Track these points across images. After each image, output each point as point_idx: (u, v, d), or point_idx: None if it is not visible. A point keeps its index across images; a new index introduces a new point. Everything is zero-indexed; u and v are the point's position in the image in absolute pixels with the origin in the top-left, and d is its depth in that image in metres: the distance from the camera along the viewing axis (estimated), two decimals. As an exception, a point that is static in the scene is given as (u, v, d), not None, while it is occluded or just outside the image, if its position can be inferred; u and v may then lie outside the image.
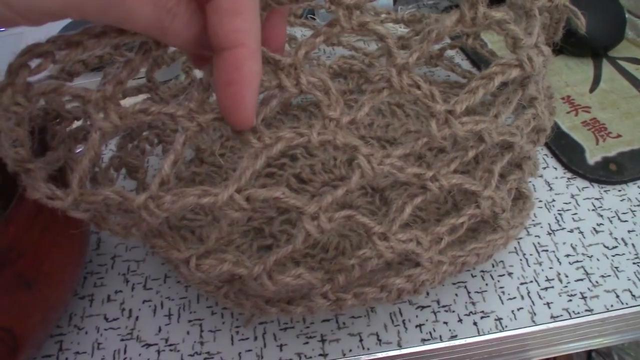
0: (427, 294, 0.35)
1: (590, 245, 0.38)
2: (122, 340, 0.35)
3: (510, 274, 0.36)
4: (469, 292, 0.35)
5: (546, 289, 0.36)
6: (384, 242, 0.26)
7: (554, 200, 0.41)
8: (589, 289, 0.36)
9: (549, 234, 0.39)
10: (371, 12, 0.47)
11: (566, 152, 0.43)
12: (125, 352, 0.34)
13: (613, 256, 0.37)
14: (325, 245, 0.37)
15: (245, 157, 0.23)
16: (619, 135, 0.44)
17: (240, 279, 0.28)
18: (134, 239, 0.27)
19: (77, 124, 0.31)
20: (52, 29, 0.21)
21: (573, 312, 0.35)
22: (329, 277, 0.27)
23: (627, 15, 0.53)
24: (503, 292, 0.35)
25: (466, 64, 0.53)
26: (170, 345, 0.34)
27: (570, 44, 0.50)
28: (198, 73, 0.44)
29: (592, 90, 0.48)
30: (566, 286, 0.36)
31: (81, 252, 0.34)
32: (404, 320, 0.34)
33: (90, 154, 0.23)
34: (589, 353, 0.79)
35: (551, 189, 0.42)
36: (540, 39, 0.29)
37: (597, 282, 0.36)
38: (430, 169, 0.26)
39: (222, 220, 0.25)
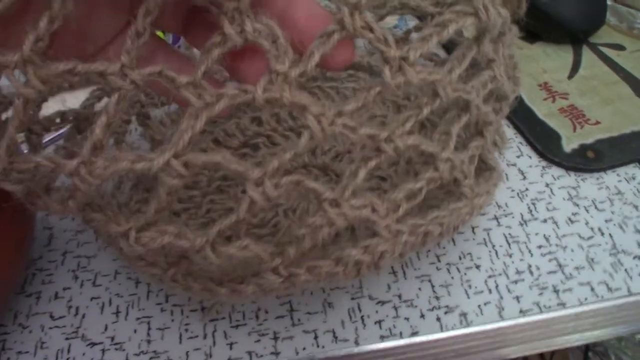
0: (389, 287, 0.33)
1: (565, 235, 0.36)
2: (66, 339, 0.33)
3: (478, 266, 0.34)
4: (433, 286, 0.33)
5: (516, 282, 0.34)
6: (335, 209, 0.24)
7: (527, 190, 0.39)
8: (561, 281, 0.34)
9: (521, 224, 0.37)
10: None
11: (541, 139, 0.41)
12: (69, 351, 0.32)
13: (589, 247, 0.35)
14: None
15: (184, 118, 0.21)
16: (597, 122, 0.42)
17: (187, 259, 0.26)
18: (72, 214, 0.25)
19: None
20: None
21: (544, 306, 0.32)
22: (279, 250, 0.25)
23: (609, 2, 0.51)
24: (470, 286, 0.33)
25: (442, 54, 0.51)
26: (116, 344, 0.32)
27: (548, 30, 0.49)
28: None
29: (570, 76, 0.46)
30: (537, 279, 0.34)
31: (20, 246, 0.33)
32: (362, 316, 0.32)
33: (15, 122, 0.21)
34: (585, 353, 0.77)
35: (525, 177, 0.40)
36: (498, 1, 0.27)
37: (570, 274, 0.34)
38: (384, 129, 0.24)
39: (160, 188, 0.23)
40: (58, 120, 0.33)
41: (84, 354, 0.32)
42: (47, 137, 0.43)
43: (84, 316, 0.34)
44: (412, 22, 0.53)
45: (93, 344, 0.32)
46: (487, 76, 0.27)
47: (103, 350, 0.32)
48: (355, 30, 0.22)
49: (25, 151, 0.29)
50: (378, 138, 0.23)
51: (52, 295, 0.35)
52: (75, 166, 0.21)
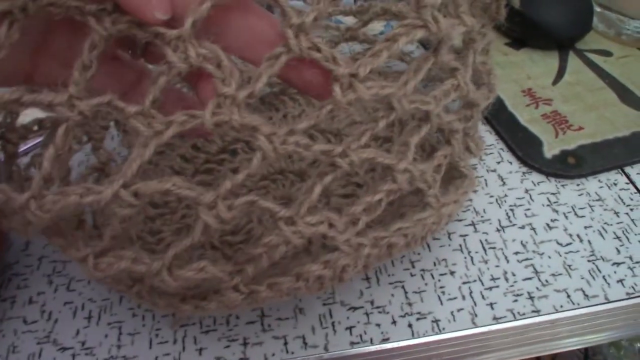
0: (361, 293, 0.33)
1: (542, 242, 0.36)
2: (38, 343, 0.33)
3: (452, 272, 0.34)
4: (406, 292, 0.33)
5: (490, 288, 0.33)
6: (291, 227, 0.24)
7: (506, 196, 0.38)
8: (537, 288, 0.33)
9: (498, 230, 0.36)
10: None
11: (522, 145, 0.41)
12: (40, 356, 0.32)
13: (566, 253, 0.35)
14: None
15: (135, 146, 0.21)
16: (580, 128, 0.42)
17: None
18: (36, 236, 0.25)
19: None
20: None
21: (518, 313, 0.32)
22: (238, 268, 0.25)
23: (597, 8, 0.51)
24: (443, 292, 0.33)
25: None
26: (87, 348, 0.32)
27: (533, 36, 0.49)
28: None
29: (555, 82, 0.46)
30: (512, 285, 0.33)
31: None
32: (333, 322, 0.32)
33: None
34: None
35: (504, 183, 0.39)
36: (462, 9, 0.27)
37: (547, 281, 0.33)
38: (339, 144, 0.24)
39: (113, 218, 0.23)
40: (36, 127, 0.33)
41: (54, 359, 0.32)
42: (25, 146, 0.43)
43: (56, 321, 0.34)
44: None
45: (64, 349, 0.32)
46: (450, 85, 0.27)
47: (73, 355, 0.32)
48: (302, 51, 0.22)
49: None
50: (332, 153, 0.23)
51: (27, 299, 0.35)
52: (25, 201, 0.21)
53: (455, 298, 0.33)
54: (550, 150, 0.40)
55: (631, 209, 0.37)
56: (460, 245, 0.35)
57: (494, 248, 0.35)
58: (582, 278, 0.34)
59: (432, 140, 0.37)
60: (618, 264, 0.34)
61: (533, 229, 0.36)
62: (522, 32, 0.49)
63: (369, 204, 0.25)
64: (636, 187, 0.39)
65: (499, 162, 0.41)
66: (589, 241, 0.36)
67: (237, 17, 0.23)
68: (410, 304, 0.33)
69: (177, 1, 0.22)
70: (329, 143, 0.23)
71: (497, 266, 0.34)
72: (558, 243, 0.35)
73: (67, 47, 0.24)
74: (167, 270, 0.23)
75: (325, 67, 0.22)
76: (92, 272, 0.24)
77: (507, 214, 0.37)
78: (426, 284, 0.33)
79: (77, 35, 0.23)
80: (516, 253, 0.35)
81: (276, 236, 0.24)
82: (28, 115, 0.32)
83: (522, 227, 0.36)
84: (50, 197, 0.21)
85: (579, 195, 0.38)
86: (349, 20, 0.50)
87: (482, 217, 0.37)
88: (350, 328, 0.32)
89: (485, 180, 0.39)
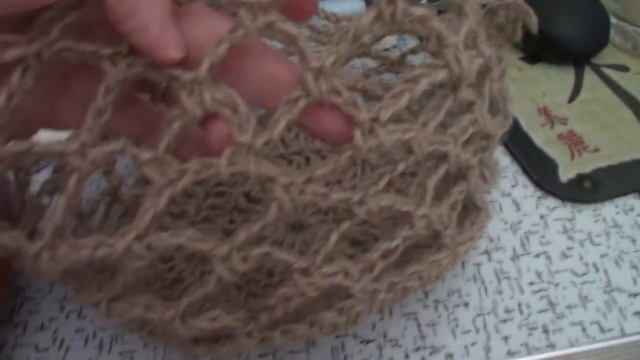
0: (374, 326, 0.33)
1: (558, 271, 0.35)
2: (49, 373, 0.33)
3: (466, 304, 0.34)
4: (419, 325, 0.33)
5: (505, 321, 0.33)
6: (306, 279, 0.23)
7: (520, 222, 0.38)
8: (552, 321, 0.33)
9: (513, 259, 0.36)
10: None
11: (538, 168, 0.40)
12: (51, 386, 0.32)
13: (582, 284, 0.34)
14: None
15: (148, 196, 0.21)
16: (596, 149, 0.41)
17: None
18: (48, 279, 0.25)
19: None
20: None
21: (532, 347, 0.32)
22: (251, 315, 0.25)
23: (613, 20, 0.50)
24: (457, 325, 0.33)
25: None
26: (98, 379, 0.32)
27: (548, 51, 0.48)
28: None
29: (571, 100, 0.45)
30: (527, 318, 0.33)
31: (6, 272, 0.33)
32: (345, 356, 0.32)
33: None
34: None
35: (519, 209, 0.39)
36: (480, 39, 0.27)
37: (562, 313, 0.33)
38: (357, 191, 0.23)
39: (125, 269, 0.23)
40: None
41: (65, 389, 0.32)
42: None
43: (67, 349, 0.34)
44: (412, 42, 0.52)
45: (75, 379, 0.32)
46: (468, 120, 0.26)
47: (85, 386, 0.32)
48: (322, 95, 0.21)
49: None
50: (350, 202, 0.23)
51: (39, 325, 0.35)
52: (37, 251, 0.20)
53: (469, 331, 0.32)
54: (566, 173, 0.40)
55: (648, 237, 0.37)
56: (474, 275, 0.35)
57: (508, 278, 0.35)
58: (598, 310, 0.33)
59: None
60: (635, 294, 0.34)
61: (548, 257, 0.36)
62: (537, 47, 0.48)
63: (386, 249, 0.25)
64: (653, 213, 0.38)
65: (513, 186, 0.40)
66: (604, 270, 0.35)
67: (253, 61, 0.23)
68: (423, 337, 0.32)
69: (194, 42, 0.21)
70: (347, 191, 0.23)
71: (512, 297, 0.34)
72: (574, 273, 0.35)
73: (87, 90, 0.24)
74: (180, 319, 0.23)
75: (346, 112, 0.22)
76: (105, 316, 0.24)
77: (521, 241, 0.37)
78: (439, 316, 0.33)
79: (97, 77, 0.22)
80: (531, 283, 0.34)
81: (291, 288, 0.23)
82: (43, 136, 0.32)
83: (537, 256, 0.36)
84: (63, 250, 0.20)
85: (595, 221, 0.38)
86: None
87: (496, 244, 0.37)
88: (363, 362, 0.31)
89: (500, 205, 0.39)
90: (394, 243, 0.25)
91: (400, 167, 0.24)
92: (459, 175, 0.29)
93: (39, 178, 0.31)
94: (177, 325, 0.23)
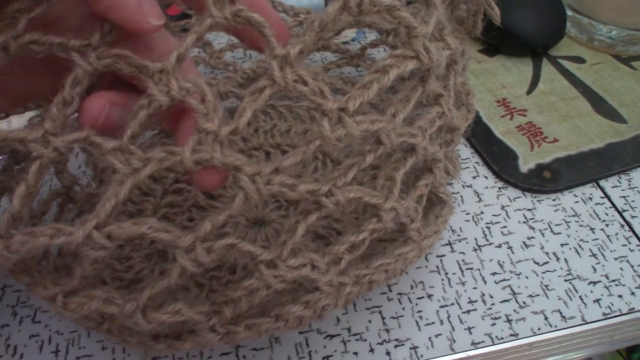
0: (338, 320, 0.32)
1: (519, 261, 0.35)
2: (2, 381, 0.31)
3: (430, 296, 0.34)
4: (383, 318, 0.33)
5: (468, 312, 0.33)
6: (272, 271, 0.23)
7: (482, 213, 0.38)
8: (515, 310, 0.33)
9: (475, 250, 0.36)
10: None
11: (498, 159, 0.40)
12: (4, 395, 0.31)
13: (543, 273, 0.35)
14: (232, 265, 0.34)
15: (110, 184, 0.20)
16: (555, 140, 0.42)
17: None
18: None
19: None
20: None
21: (496, 337, 0.32)
22: (215, 309, 0.24)
23: (569, 12, 0.51)
24: (421, 317, 0.33)
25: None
26: (54, 386, 0.31)
27: (507, 43, 0.48)
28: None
29: (529, 91, 0.46)
30: (490, 308, 0.33)
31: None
32: (310, 352, 0.31)
33: None
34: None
35: (480, 200, 0.39)
36: (447, 31, 0.26)
37: (524, 302, 0.33)
38: (325, 182, 0.23)
39: (84, 259, 0.22)
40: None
41: (19, 397, 0.30)
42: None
43: (21, 356, 0.32)
44: (372, 36, 0.52)
45: (30, 386, 0.31)
46: (435, 113, 0.26)
47: (40, 393, 0.31)
48: (287, 84, 0.20)
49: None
50: (318, 193, 0.22)
51: (-10, 332, 0.33)
52: None
53: (433, 323, 0.32)
54: (526, 164, 0.40)
55: (606, 225, 0.37)
56: (437, 267, 0.35)
57: (471, 269, 0.35)
58: (559, 299, 0.34)
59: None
60: (594, 282, 0.34)
61: (510, 247, 0.36)
62: (496, 39, 0.48)
63: (353, 243, 0.25)
64: (611, 201, 0.39)
65: (474, 177, 0.40)
66: (565, 259, 0.35)
67: None
68: (387, 330, 0.32)
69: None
70: (315, 182, 0.22)
71: (475, 288, 0.34)
72: (535, 262, 0.35)
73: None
74: (141, 312, 0.22)
75: (313, 101, 0.21)
76: (61, 311, 0.23)
77: (483, 232, 0.37)
78: (403, 309, 0.33)
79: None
80: (493, 274, 0.35)
81: (257, 280, 0.23)
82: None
83: (499, 246, 0.36)
84: (18, 238, 0.19)
85: (555, 210, 0.38)
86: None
87: (458, 235, 0.37)
88: (327, 357, 0.31)
89: (462, 196, 0.39)
90: (361, 236, 0.25)
91: (369, 159, 0.24)
92: (425, 168, 0.28)
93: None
94: (138, 318, 0.22)
